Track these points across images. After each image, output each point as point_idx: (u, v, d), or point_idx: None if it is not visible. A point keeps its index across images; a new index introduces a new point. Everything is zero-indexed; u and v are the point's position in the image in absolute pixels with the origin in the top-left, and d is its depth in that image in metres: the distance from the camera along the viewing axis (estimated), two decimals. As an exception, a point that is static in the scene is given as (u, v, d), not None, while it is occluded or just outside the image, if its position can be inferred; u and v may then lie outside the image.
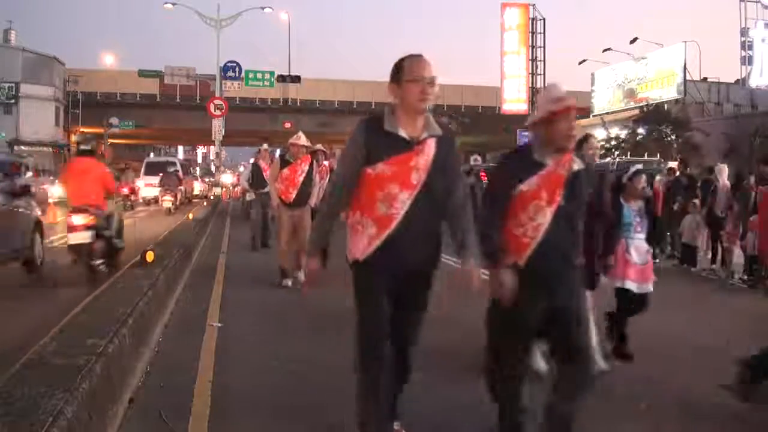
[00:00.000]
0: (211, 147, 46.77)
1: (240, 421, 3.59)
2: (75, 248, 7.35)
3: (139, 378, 4.13)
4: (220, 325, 5.63)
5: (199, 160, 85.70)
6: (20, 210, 8.00)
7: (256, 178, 11.58)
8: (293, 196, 7.48)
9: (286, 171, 7.53)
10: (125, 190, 20.06)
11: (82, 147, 8.35)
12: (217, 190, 30.04)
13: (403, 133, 2.83)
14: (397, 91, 2.85)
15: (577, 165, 3.03)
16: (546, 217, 2.93)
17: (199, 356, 4.71)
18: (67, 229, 7.47)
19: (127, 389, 3.84)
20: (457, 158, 3.05)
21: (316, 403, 3.88)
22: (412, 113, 2.84)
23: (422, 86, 2.81)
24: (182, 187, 24.92)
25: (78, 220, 7.28)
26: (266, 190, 9.75)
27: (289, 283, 7.58)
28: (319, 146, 8.56)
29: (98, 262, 7.46)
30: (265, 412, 3.74)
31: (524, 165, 3.00)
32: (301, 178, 7.52)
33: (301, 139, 7.64)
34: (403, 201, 2.80)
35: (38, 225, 8.42)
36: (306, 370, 4.49)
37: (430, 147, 2.83)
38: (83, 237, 7.27)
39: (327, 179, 8.12)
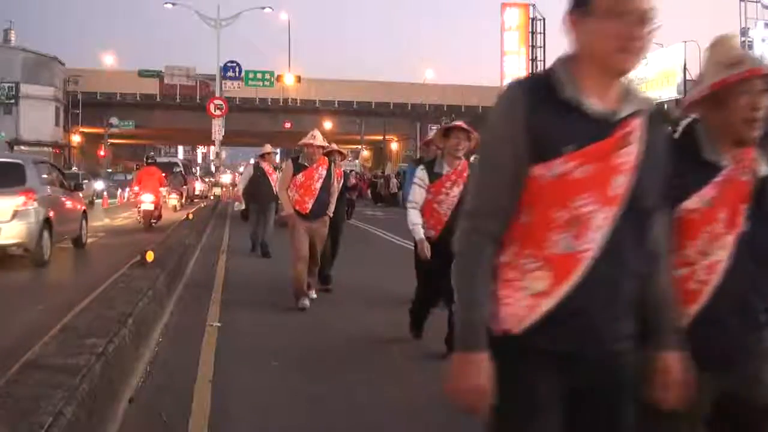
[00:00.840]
0: (211, 147, 46.79)
1: (240, 421, 3.59)
2: (144, 212, 14.83)
3: (139, 378, 4.13)
4: (219, 325, 5.63)
5: (199, 160, 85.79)
6: (75, 201, 11.05)
7: (258, 185, 10.46)
8: (310, 206, 6.35)
9: (300, 177, 6.38)
10: (136, 188, 21.78)
11: (150, 161, 17.05)
12: (217, 190, 30.21)
13: (593, 104, 1.55)
14: (583, 30, 1.55)
15: (766, 167, 1.88)
16: (726, 251, 1.81)
17: (199, 356, 4.71)
18: (139, 202, 15.20)
19: (127, 389, 3.85)
20: (667, 153, 1.70)
21: (316, 403, 3.88)
22: (610, 73, 1.56)
23: (629, 26, 1.50)
24: (186, 186, 25.62)
25: (148, 198, 14.80)
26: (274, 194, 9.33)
27: (307, 303, 6.41)
28: (334, 146, 7.35)
29: (154, 221, 15.08)
30: (265, 412, 3.74)
31: (688, 167, 1.83)
32: (319, 185, 6.39)
33: (317, 139, 6.47)
34: (600, 227, 1.52)
35: (84, 213, 11.50)
36: (306, 370, 4.50)
37: (639, 131, 1.58)
38: (149, 207, 14.76)
39: (341, 184, 7.29)
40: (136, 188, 17.61)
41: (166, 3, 30.56)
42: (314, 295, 6.76)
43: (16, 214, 8.56)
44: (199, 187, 33.31)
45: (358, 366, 4.62)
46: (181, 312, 6.16)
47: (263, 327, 5.77)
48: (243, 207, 11.13)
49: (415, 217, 4.72)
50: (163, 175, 25.16)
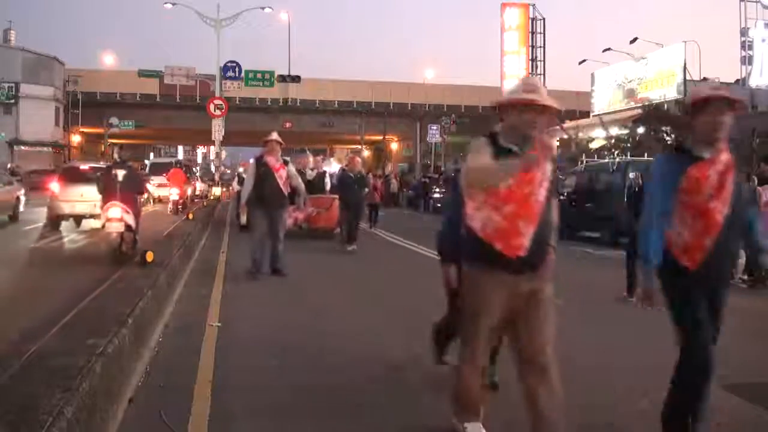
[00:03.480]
0: (211, 147, 46.78)
1: (240, 421, 3.59)
2: (173, 201, 20.34)
3: (139, 378, 4.13)
4: (219, 325, 5.63)
5: (199, 160, 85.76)
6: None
7: (263, 184, 8.17)
8: (528, 242, 2.99)
9: (508, 180, 2.96)
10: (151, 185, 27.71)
11: (178, 164, 27.21)
12: (216, 190, 30.25)
13: None
14: None
15: None
16: None
17: (199, 356, 4.71)
18: (169, 195, 21.31)
19: (127, 389, 3.85)
20: None
21: (316, 403, 3.88)
22: None
23: None
24: (190, 186, 25.92)
25: (175, 191, 20.84)
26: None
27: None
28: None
29: (180, 207, 20.15)
30: (265, 412, 3.74)
31: None
32: (542, 197, 3.02)
33: (543, 95, 3.00)
34: None
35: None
36: (306, 370, 4.49)
37: None
38: (176, 197, 20.58)
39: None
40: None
41: (166, 3, 30.53)
42: None
43: None
44: (199, 186, 33.44)
45: (360, 365, 4.62)
46: (181, 312, 6.15)
47: (263, 327, 5.76)
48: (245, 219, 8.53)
49: None
50: (163, 173, 26.50)
